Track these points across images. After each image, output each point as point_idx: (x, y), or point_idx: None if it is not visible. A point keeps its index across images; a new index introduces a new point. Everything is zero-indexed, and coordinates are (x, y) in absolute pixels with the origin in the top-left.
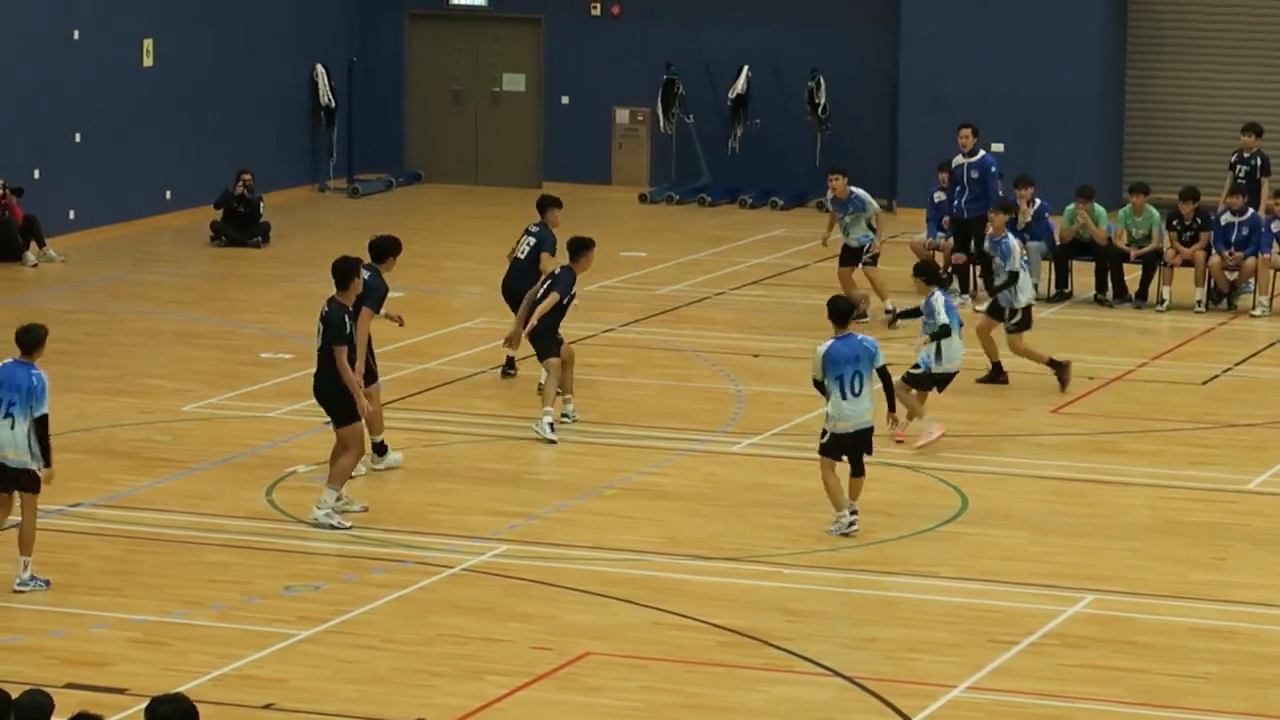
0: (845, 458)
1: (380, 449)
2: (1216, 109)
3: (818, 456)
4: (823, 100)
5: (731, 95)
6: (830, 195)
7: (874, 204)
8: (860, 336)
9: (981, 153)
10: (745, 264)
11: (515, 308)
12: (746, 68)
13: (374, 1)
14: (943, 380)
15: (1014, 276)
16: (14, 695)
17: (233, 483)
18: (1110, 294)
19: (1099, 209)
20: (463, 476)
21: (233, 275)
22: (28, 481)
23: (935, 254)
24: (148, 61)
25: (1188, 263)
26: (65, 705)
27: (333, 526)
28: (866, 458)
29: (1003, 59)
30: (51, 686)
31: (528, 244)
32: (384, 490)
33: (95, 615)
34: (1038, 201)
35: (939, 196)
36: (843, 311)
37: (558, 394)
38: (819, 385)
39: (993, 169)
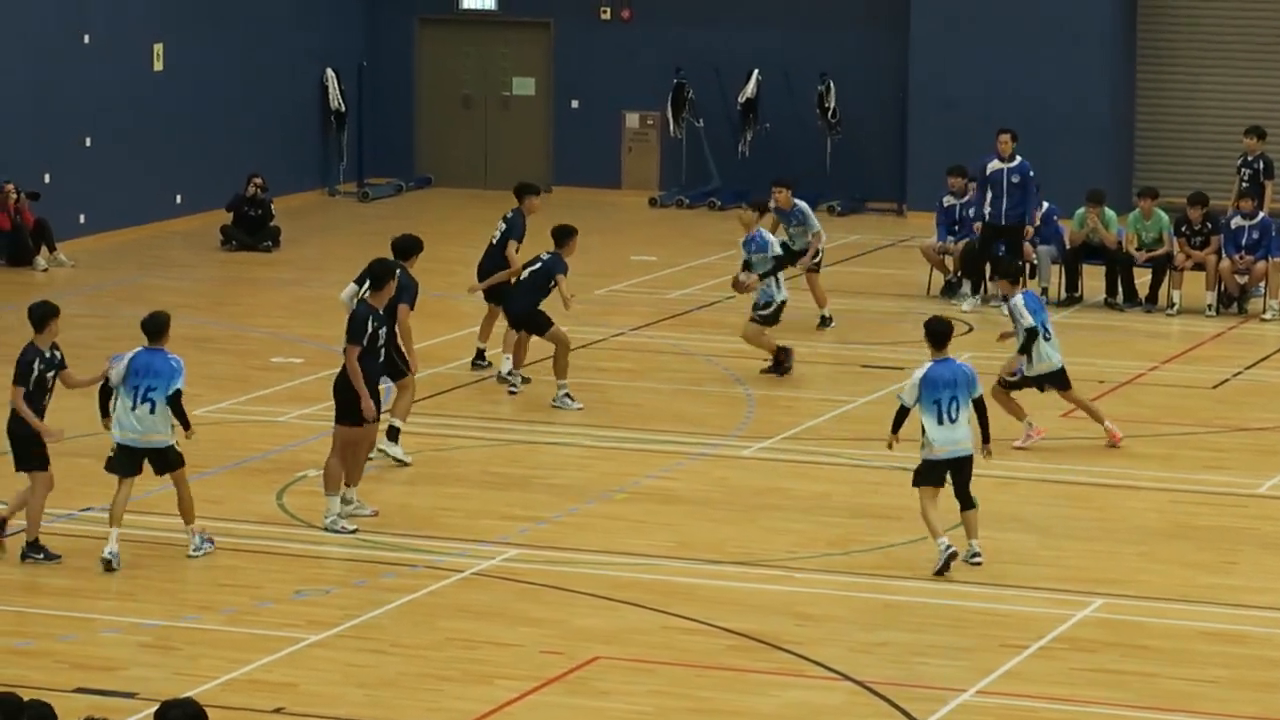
0: (952, 489)
1: (393, 434)
2: (1227, 112)
3: (916, 490)
4: (832, 104)
5: (741, 99)
6: (773, 205)
7: (816, 224)
8: (959, 362)
9: (1018, 158)
10: None
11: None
12: (756, 71)
13: (384, 5)
14: (1038, 381)
15: (780, 262)
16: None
17: (243, 487)
18: (1120, 298)
19: (1109, 213)
20: (472, 481)
21: (243, 279)
22: (174, 458)
23: (945, 258)
24: (158, 66)
25: (1198, 266)
26: (75, 709)
27: (335, 532)
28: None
29: (1012, 63)
30: (61, 691)
31: (500, 229)
32: (394, 494)
33: (105, 619)
34: (1045, 205)
35: (948, 201)
36: (941, 334)
37: (512, 371)
38: (903, 410)
39: (1031, 174)
